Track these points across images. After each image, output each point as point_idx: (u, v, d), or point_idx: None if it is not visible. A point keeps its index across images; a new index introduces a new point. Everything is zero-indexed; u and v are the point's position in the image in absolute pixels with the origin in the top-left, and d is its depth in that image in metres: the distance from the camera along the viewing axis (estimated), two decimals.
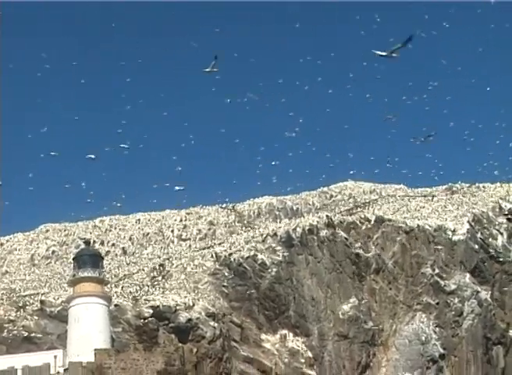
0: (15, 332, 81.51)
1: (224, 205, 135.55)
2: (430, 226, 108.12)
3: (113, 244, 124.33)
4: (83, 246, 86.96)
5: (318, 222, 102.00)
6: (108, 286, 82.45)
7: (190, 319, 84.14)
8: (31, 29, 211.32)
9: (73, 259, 75.15)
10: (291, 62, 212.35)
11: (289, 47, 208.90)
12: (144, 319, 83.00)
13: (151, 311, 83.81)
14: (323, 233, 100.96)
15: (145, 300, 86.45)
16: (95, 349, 67.21)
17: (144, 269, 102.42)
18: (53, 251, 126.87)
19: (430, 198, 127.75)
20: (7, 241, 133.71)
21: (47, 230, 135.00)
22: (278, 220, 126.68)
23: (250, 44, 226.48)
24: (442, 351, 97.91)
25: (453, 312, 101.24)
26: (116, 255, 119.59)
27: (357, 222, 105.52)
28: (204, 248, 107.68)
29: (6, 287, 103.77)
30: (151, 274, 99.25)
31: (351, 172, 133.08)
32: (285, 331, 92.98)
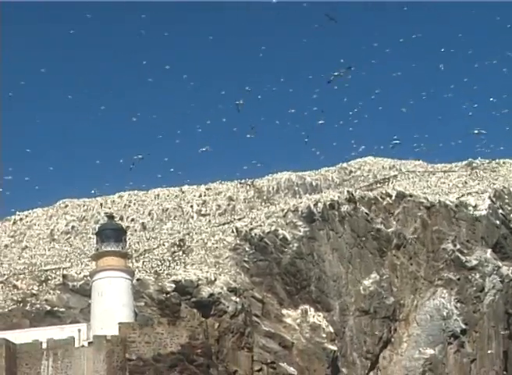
0: (37, 306, 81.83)
1: (243, 181, 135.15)
2: (451, 202, 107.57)
3: (132, 220, 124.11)
4: (105, 220, 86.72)
5: (339, 197, 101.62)
6: (129, 261, 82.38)
7: (212, 294, 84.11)
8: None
9: (96, 233, 75.18)
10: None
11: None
12: (167, 293, 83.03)
13: (174, 285, 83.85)
14: (344, 208, 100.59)
15: (167, 274, 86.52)
16: (119, 323, 67.46)
17: (164, 245, 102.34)
18: (72, 227, 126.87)
19: (450, 173, 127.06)
20: (26, 216, 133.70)
21: (66, 206, 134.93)
22: (297, 196, 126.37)
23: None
24: (463, 326, 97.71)
25: (475, 288, 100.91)
26: (136, 230, 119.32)
27: (378, 197, 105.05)
28: (224, 224, 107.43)
29: (27, 262, 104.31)
30: (172, 249, 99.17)
31: (372, 147, 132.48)
32: (306, 306, 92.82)
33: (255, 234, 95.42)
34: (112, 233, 73.33)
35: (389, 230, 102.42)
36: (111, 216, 79.79)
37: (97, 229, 78.43)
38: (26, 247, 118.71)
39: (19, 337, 68.74)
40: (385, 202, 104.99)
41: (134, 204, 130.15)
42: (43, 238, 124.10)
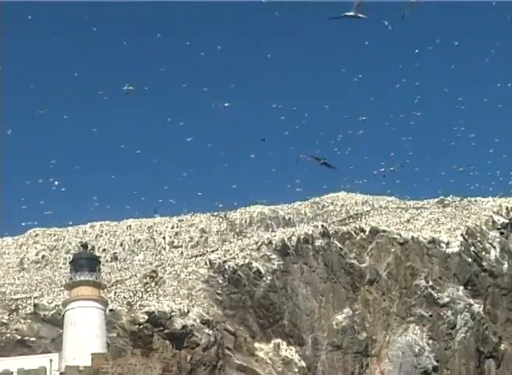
0: (8, 335, 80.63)
1: (215, 213, 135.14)
2: (424, 239, 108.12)
3: (104, 250, 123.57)
4: (79, 249, 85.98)
5: (313, 231, 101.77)
6: (103, 291, 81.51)
7: (185, 326, 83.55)
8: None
9: (70, 262, 74.10)
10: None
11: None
12: (139, 324, 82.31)
13: (146, 317, 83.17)
14: (318, 242, 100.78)
15: (140, 306, 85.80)
16: (92, 353, 66.32)
17: (136, 275, 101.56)
18: (43, 256, 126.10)
19: (422, 210, 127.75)
20: None
21: (36, 235, 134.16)
22: (270, 229, 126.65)
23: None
24: (435, 363, 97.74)
25: (446, 325, 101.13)
26: (107, 260, 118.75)
27: (352, 232, 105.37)
28: (196, 256, 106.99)
29: None
30: (144, 280, 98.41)
31: (342, 183, 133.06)
32: (278, 340, 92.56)
33: (228, 267, 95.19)
34: (86, 262, 72.11)
35: (363, 265, 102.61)
36: (85, 246, 78.83)
37: (71, 258, 77.59)
38: None
39: None
40: (358, 237, 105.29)
41: (106, 234, 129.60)
42: (12, 267, 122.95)
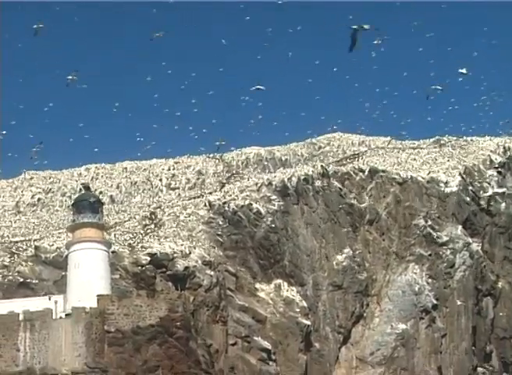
0: (10, 277, 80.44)
1: (211, 155, 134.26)
2: (423, 178, 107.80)
3: (100, 193, 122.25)
4: (81, 191, 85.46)
5: (312, 171, 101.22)
6: (106, 232, 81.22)
7: (187, 267, 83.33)
8: None
9: (72, 204, 73.84)
10: None
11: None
12: (142, 266, 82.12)
13: (149, 258, 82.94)
14: (318, 183, 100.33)
15: (142, 247, 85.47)
16: (98, 295, 66.28)
17: (135, 218, 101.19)
18: (39, 199, 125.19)
19: (419, 150, 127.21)
20: None
21: (31, 178, 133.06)
22: (266, 170, 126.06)
23: None
24: (434, 301, 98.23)
25: (445, 264, 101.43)
26: (104, 203, 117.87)
27: (351, 172, 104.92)
28: (195, 197, 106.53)
29: None
30: (143, 222, 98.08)
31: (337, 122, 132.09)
32: (279, 281, 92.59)
33: (229, 208, 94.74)
34: (88, 204, 71.78)
35: (362, 205, 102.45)
36: (87, 187, 78.49)
37: (73, 200, 77.01)
38: None
39: None
40: (357, 178, 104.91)
41: (102, 176, 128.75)
42: (8, 210, 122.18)
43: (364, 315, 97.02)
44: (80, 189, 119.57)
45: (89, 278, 68.37)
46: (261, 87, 75.09)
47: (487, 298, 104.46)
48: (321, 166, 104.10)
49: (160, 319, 66.39)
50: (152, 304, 66.97)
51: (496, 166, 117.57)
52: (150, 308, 66.62)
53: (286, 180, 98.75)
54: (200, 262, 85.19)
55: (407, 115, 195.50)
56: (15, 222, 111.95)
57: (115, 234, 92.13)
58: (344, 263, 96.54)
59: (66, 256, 72.97)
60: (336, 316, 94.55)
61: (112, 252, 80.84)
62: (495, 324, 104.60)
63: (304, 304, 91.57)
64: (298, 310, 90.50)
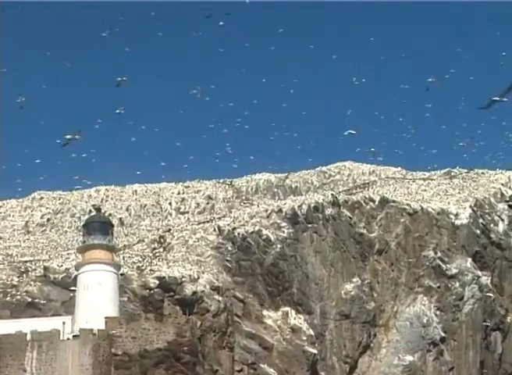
0: (18, 297, 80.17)
1: (222, 181, 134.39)
2: (433, 210, 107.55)
3: (110, 215, 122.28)
4: (92, 212, 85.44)
5: (323, 200, 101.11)
6: (116, 254, 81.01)
7: (195, 292, 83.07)
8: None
9: (83, 226, 73.69)
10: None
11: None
12: (150, 289, 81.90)
13: (157, 282, 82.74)
14: (328, 211, 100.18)
15: (150, 270, 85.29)
16: (106, 317, 66.06)
17: (143, 241, 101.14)
18: (48, 219, 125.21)
19: (430, 181, 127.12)
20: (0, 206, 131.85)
21: (41, 198, 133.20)
22: (276, 197, 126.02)
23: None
24: (442, 334, 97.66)
25: (454, 296, 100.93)
26: (113, 225, 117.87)
27: (362, 201, 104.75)
28: (204, 222, 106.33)
29: (2, 253, 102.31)
30: (152, 246, 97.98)
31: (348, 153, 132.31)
32: (287, 308, 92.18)
33: (238, 234, 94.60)
34: (99, 226, 71.82)
35: (372, 234, 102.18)
36: (98, 209, 78.46)
37: (84, 221, 77.01)
38: (0, 238, 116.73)
39: (2, 327, 66.96)
40: (368, 207, 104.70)
41: (112, 199, 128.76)
42: (17, 230, 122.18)
43: (371, 345, 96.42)
44: (90, 210, 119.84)
45: (98, 300, 68.17)
46: (353, 132, 75.25)
47: (495, 332, 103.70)
48: (332, 194, 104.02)
49: (167, 343, 66.10)
50: (160, 328, 66.70)
51: (507, 199, 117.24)
52: (158, 332, 66.34)
53: (296, 207, 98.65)
54: (208, 287, 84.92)
55: (418, 145, 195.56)
56: (24, 241, 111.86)
57: (123, 257, 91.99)
58: (352, 293, 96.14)
59: (75, 277, 72.87)
60: (343, 345, 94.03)
61: (121, 275, 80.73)
62: (503, 359, 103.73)
63: (311, 332, 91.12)
64: (305, 338, 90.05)
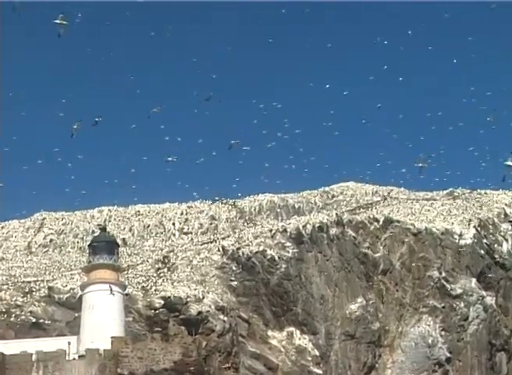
0: (22, 317, 79.95)
1: (225, 201, 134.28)
2: (437, 230, 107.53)
3: (112, 235, 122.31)
4: (98, 232, 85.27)
5: (327, 220, 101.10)
6: (121, 274, 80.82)
7: (200, 312, 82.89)
8: None
9: (89, 246, 73.38)
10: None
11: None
12: (155, 309, 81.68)
13: (162, 302, 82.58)
14: (332, 231, 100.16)
15: (155, 290, 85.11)
16: (112, 337, 65.70)
17: (147, 261, 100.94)
18: (51, 240, 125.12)
19: (433, 201, 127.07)
20: (2, 227, 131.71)
21: (43, 219, 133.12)
22: (279, 218, 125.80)
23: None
24: (448, 354, 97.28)
25: (459, 317, 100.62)
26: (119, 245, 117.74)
27: (366, 221, 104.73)
28: (208, 242, 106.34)
29: (5, 274, 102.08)
30: (156, 266, 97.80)
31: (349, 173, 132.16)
32: (292, 328, 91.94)
33: (243, 254, 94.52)
34: (104, 245, 71.60)
35: (376, 255, 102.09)
36: (103, 228, 78.24)
37: (89, 241, 76.84)
38: (3, 258, 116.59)
39: (7, 347, 66.67)
40: (372, 227, 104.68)
41: (115, 219, 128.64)
42: (20, 251, 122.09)
43: (377, 366, 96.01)
44: (93, 231, 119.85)
45: (103, 320, 67.85)
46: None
47: (500, 352, 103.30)
48: (336, 214, 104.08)
49: (174, 363, 65.67)
50: (166, 347, 66.38)
51: (511, 219, 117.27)
52: (164, 352, 65.98)
53: (300, 227, 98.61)
54: (213, 307, 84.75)
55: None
56: (27, 262, 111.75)
57: (127, 277, 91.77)
58: (357, 313, 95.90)
59: (80, 297, 72.62)
60: (348, 365, 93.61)
61: (126, 295, 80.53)
62: None
63: (316, 353, 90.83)
64: (310, 359, 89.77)
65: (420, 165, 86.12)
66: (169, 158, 74.02)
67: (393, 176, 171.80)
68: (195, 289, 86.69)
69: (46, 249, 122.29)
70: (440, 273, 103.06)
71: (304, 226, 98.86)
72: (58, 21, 61.05)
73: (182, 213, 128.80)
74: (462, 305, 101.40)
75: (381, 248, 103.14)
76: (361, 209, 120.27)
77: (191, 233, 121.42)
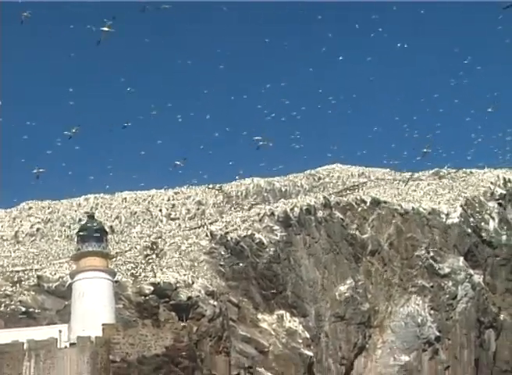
0: (12, 307, 79.80)
1: (211, 186, 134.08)
2: (424, 210, 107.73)
3: (101, 222, 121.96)
4: (86, 220, 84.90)
5: (315, 202, 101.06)
6: (111, 261, 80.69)
7: (190, 297, 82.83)
8: None
9: (77, 233, 73.36)
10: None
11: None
12: (145, 296, 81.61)
13: (152, 288, 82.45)
14: (320, 213, 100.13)
15: (145, 277, 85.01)
16: (103, 324, 65.85)
17: (136, 248, 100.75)
18: (38, 229, 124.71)
19: (419, 181, 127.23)
20: None
21: (30, 208, 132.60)
22: (266, 201, 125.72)
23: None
24: (437, 333, 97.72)
25: (448, 296, 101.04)
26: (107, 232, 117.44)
27: (353, 203, 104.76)
28: (196, 227, 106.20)
29: None
30: (144, 252, 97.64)
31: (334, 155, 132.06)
32: (282, 311, 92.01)
33: (231, 238, 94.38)
34: (93, 232, 71.58)
35: (364, 236, 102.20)
36: (91, 216, 77.95)
37: (78, 229, 76.64)
38: None
39: None
40: (359, 208, 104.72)
41: (101, 207, 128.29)
42: (7, 240, 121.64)
43: (367, 346, 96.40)
44: (80, 219, 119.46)
45: (94, 307, 67.94)
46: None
47: (489, 330, 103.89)
48: (324, 196, 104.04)
49: (165, 348, 66.07)
50: (158, 334, 66.65)
51: (497, 197, 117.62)
52: (155, 338, 66.23)
53: (288, 210, 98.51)
54: (203, 292, 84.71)
55: (405, 146, 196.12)
56: (14, 252, 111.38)
57: (116, 264, 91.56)
58: (346, 294, 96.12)
59: (70, 285, 72.56)
60: (338, 347, 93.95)
61: (115, 282, 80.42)
62: (497, 357, 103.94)
63: (307, 335, 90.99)
64: (300, 341, 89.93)
65: (424, 150, 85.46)
66: (177, 163, 73.98)
67: (379, 157, 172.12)
68: (184, 274, 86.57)
69: (33, 238, 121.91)
70: (428, 253, 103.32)
71: (292, 210, 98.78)
72: (105, 28, 60.32)
73: (169, 199, 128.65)
74: (450, 283, 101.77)
75: (369, 229, 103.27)
76: (348, 191, 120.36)
77: (179, 218, 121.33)
